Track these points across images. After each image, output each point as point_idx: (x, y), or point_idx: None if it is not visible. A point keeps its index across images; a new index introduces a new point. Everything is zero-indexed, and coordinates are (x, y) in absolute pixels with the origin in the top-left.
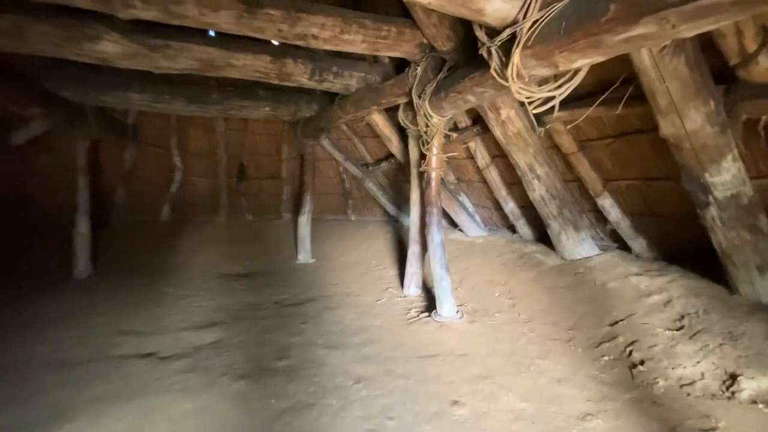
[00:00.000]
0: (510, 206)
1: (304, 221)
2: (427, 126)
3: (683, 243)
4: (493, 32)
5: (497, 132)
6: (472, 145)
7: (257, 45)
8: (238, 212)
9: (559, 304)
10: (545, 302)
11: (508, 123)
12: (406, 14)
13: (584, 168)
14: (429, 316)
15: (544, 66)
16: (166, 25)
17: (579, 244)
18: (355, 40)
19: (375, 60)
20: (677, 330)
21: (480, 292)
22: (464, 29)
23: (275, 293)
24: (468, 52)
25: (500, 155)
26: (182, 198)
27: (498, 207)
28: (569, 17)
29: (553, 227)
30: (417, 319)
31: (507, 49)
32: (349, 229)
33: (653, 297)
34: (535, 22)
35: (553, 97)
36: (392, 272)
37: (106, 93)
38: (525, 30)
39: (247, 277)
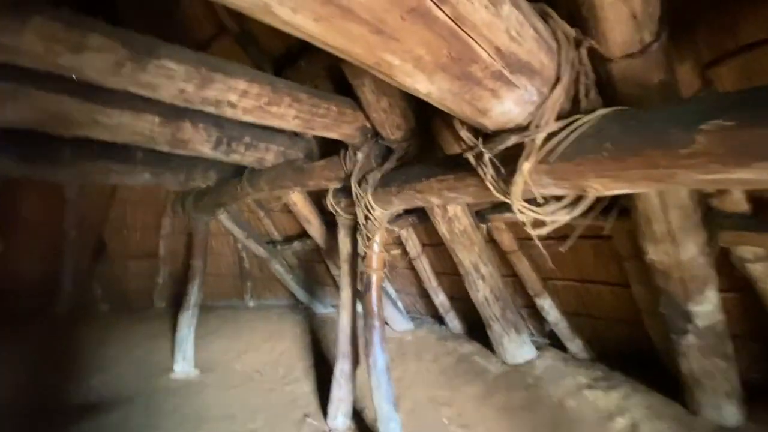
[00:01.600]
0: (440, 298)
1: (187, 319)
2: (366, 219)
3: (615, 344)
4: (479, 135)
5: (443, 228)
6: (403, 233)
7: (140, 99)
8: (88, 304)
9: None
10: (505, 431)
11: (454, 220)
12: (342, 92)
13: (524, 267)
14: None
15: (563, 187)
16: None
17: (520, 347)
18: (286, 114)
19: (295, 134)
20: None
21: (424, 418)
22: (417, 119)
23: None
24: (419, 144)
25: (431, 244)
26: None
27: (423, 294)
28: (616, 137)
29: (495, 329)
30: None
31: (507, 159)
32: (247, 320)
33: (617, 420)
34: (553, 134)
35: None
36: (307, 387)
37: None
38: (538, 142)
39: (93, 411)
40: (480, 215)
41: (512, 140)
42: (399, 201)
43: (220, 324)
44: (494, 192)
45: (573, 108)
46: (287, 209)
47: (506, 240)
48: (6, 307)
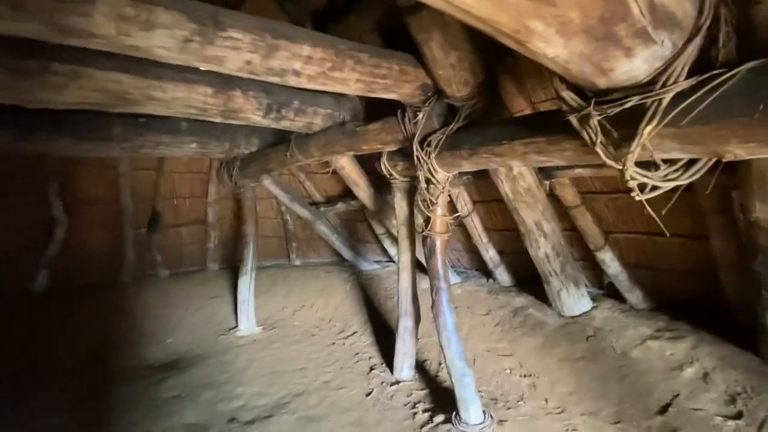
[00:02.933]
0: (491, 253)
1: (246, 282)
2: (428, 182)
3: (678, 295)
4: (584, 96)
5: (505, 188)
6: (454, 191)
7: (191, 70)
8: (149, 269)
9: (587, 383)
10: (570, 382)
11: (519, 179)
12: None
13: (586, 221)
14: (447, 421)
15: (691, 152)
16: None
17: (578, 300)
18: (348, 78)
19: (339, 94)
20: (737, 418)
21: (486, 368)
22: (486, 73)
23: (223, 401)
24: (487, 100)
25: (481, 201)
26: (67, 260)
27: (469, 249)
28: None
29: (554, 284)
30: (433, 427)
31: (620, 121)
32: (297, 278)
33: (687, 370)
34: (681, 93)
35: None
36: (367, 339)
37: None
38: (665, 102)
39: (171, 369)
40: (544, 172)
41: (633, 101)
42: (470, 164)
43: (271, 283)
44: (603, 157)
45: (704, 62)
46: (328, 171)
47: (569, 195)
48: (76, 277)
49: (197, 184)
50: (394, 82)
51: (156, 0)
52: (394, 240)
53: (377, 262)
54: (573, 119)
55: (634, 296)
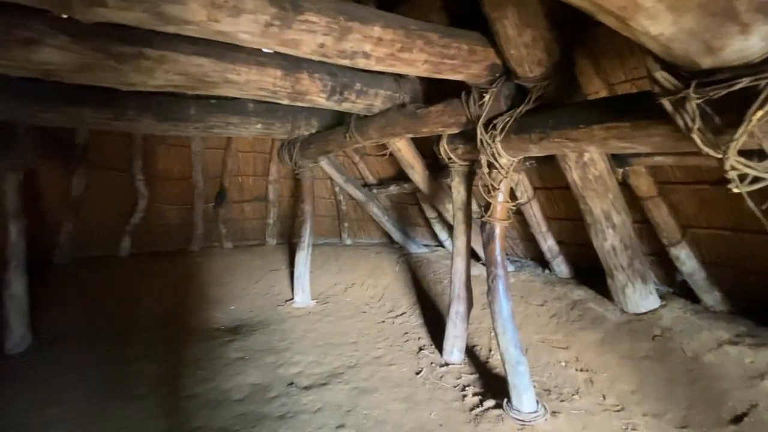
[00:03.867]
0: (549, 243)
1: (303, 257)
2: (490, 167)
3: (763, 299)
4: (683, 76)
5: (574, 175)
6: (516, 176)
7: (262, 54)
8: (215, 241)
9: (651, 383)
10: (631, 380)
11: (590, 165)
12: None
13: (661, 214)
14: (498, 406)
15: None
16: (134, 27)
17: (645, 297)
18: (416, 60)
19: (400, 75)
20: None
21: (539, 359)
22: (561, 52)
23: (282, 366)
24: (560, 81)
25: (542, 188)
26: (147, 229)
27: (525, 238)
28: None
29: (619, 278)
30: (483, 411)
31: (723, 105)
32: (348, 256)
33: None
34: None
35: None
36: (416, 320)
37: (50, 109)
38: None
39: (237, 333)
40: (618, 159)
41: (743, 82)
42: (539, 149)
43: (324, 260)
44: (700, 144)
45: None
46: (385, 154)
47: (644, 185)
48: (154, 244)
49: (260, 164)
50: (463, 62)
51: None
52: (445, 224)
53: (426, 245)
54: (666, 102)
55: (711, 297)
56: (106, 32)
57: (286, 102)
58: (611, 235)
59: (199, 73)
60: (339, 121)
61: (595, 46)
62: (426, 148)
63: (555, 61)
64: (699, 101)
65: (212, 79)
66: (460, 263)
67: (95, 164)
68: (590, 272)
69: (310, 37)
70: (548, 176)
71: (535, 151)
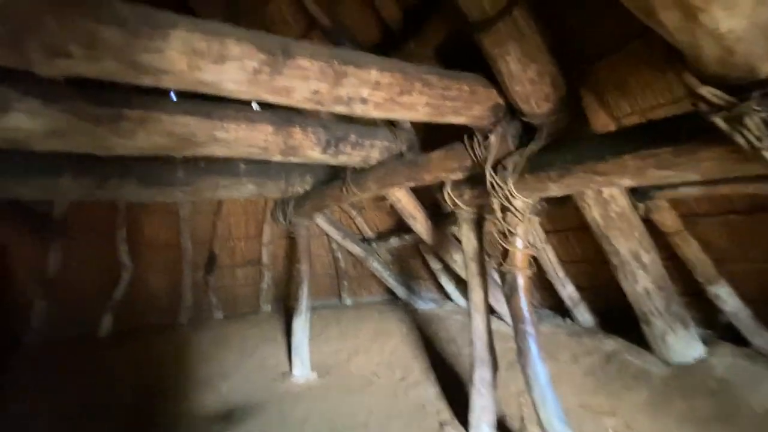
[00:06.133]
0: (568, 290)
1: (301, 323)
2: (504, 211)
3: None
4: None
5: (594, 213)
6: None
7: (251, 110)
8: (204, 312)
9: None
10: None
11: (610, 202)
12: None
13: (692, 250)
14: None
15: None
16: (112, 85)
17: (688, 344)
18: (416, 103)
19: (393, 124)
20: None
21: (583, 429)
22: (567, 85)
23: None
24: (569, 116)
25: (553, 231)
26: (130, 303)
27: (541, 285)
28: None
29: (656, 325)
30: None
31: None
32: (350, 319)
33: None
34: None
35: None
36: (431, 390)
37: (23, 182)
38: None
39: (228, 420)
40: (639, 193)
41: None
42: (561, 187)
43: (324, 325)
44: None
45: None
46: (380, 206)
47: (669, 219)
48: (138, 319)
49: (252, 226)
50: (464, 103)
51: (227, 32)
52: (452, 276)
53: (433, 300)
54: (720, 121)
55: (762, 338)
56: (80, 93)
57: (278, 158)
58: (642, 277)
59: (185, 133)
60: (334, 176)
61: (595, 81)
62: (426, 196)
63: (562, 95)
64: (764, 115)
65: (199, 139)
66: (479, 321)
67: (74, 236)
68: (618, 319)
69: (303, 84)
70: (559, 218)
71: (555, 190)
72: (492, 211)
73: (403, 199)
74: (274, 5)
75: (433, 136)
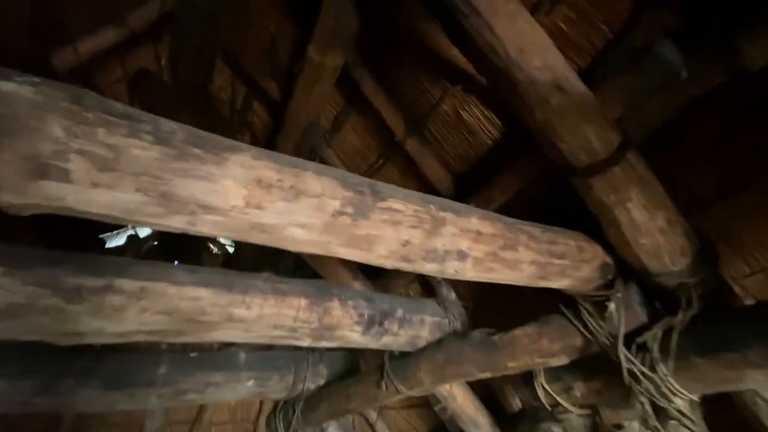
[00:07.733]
0: None
1: None
2: (658, 412)
3: None
4: None
5: None
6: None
7: (282, 280)
8: None
9: None
10: None
11: None
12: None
13: None
14: None
15: None
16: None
17: None
18: (521, 261)
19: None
20: None
21: None
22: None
23: None
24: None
25: None
26: None
27: None
28: None
29: None
30: None
31: None
32: None
33: None
34: None
35: None
36: None
37: None
38: None
39: None
40: None
41: None
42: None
43: None
44: None
45: None
46: (410, 405)
47: None
48: None
49: None
50: (572, 262)
51: (302, 164)
52: None
53: None
54: None
55: None
56: (61, 258)
57: (306, 343)
58: None
59: (193, 310)
60: (353, 366)
61: (724, 221)
62: (478, 390)
63: (698, 247)
64: None
65: (209, 318)
66: None
67: None
68: None
69: (391, 232)
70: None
71: (751, 382)
72: (640, 416)
73: (459, 396)
74: None
75: (483, 312)
